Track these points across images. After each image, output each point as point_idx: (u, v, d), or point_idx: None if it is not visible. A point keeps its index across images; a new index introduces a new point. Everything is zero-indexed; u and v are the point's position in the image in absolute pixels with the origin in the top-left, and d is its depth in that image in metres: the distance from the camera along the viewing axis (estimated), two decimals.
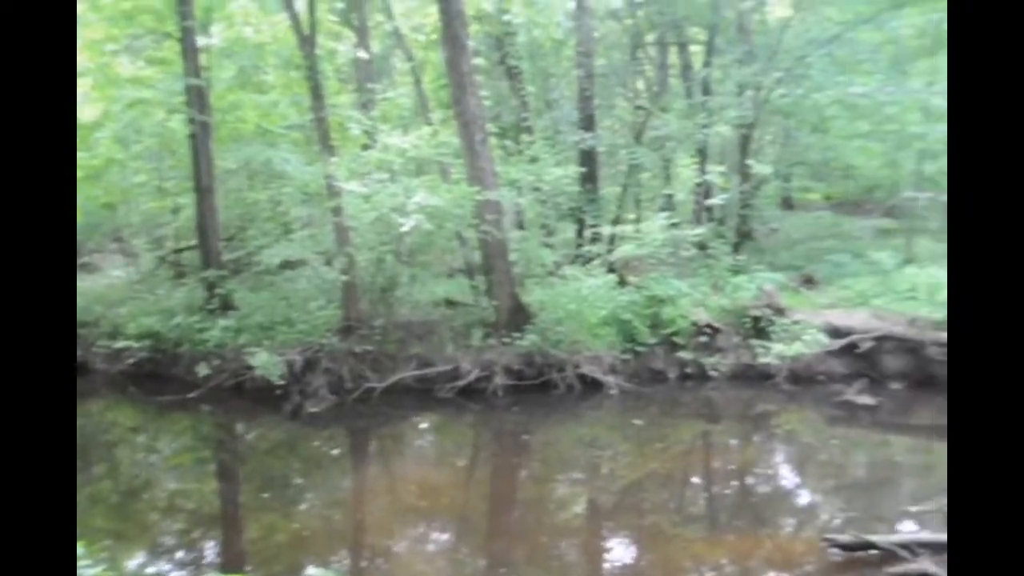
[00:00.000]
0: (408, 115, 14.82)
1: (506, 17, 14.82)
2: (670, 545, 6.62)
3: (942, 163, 15.67)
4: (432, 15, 14.12)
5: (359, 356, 10.85)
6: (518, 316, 11.17)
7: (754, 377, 11.22)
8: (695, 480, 8.71)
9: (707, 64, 16.86)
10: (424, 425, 10.65)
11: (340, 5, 13.83)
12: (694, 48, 18.19)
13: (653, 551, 6.60)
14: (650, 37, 17.75)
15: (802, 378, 11.06)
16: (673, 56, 18.39)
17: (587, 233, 14.86)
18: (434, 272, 13.45)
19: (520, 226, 13.88)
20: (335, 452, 9.82)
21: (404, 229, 10.24)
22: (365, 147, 12.34)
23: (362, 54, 13.89)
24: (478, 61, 13.03)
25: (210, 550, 6.98)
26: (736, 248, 14.82)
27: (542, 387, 10.79)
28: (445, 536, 7.23)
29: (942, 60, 15.93)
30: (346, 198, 10.66)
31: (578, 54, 15.82)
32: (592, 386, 10.84)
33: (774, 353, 10.79)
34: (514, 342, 10.85)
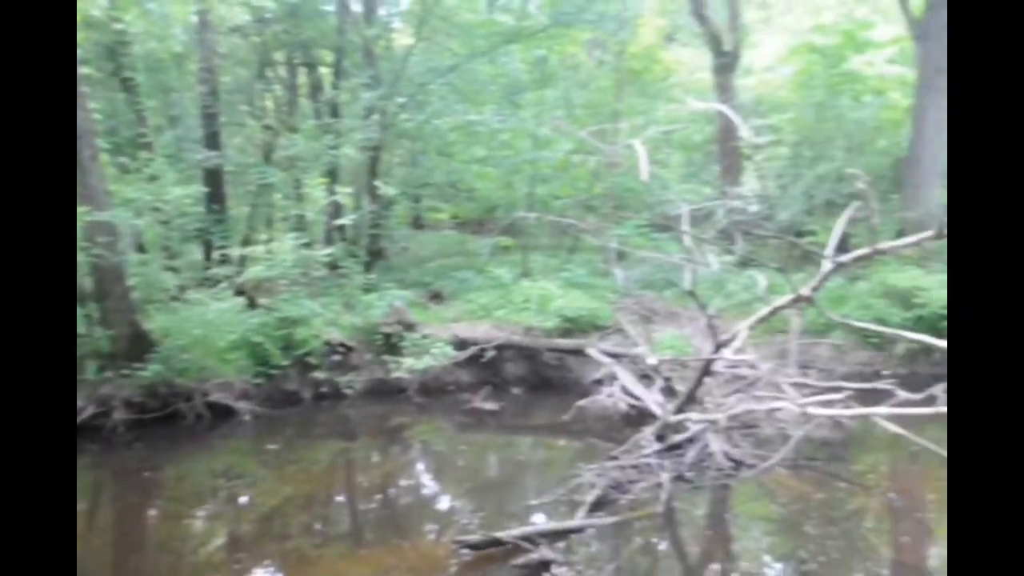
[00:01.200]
0: None
1: (119, 25, 13.75)
2: (314, 567, 6.56)
3: (551, 186, 17.37)
4: None
5: None
6: (139, 345, 10.42)
7: (388, 392, 11.57)
8: (337, 499, 8.74)
9: (336, 86, 17.05)
10: None
11: None
12: (323, 70, 18.29)
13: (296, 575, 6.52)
14: (279, 56, 17.54)
15: (433, 389, 11.64)
16: (303, 76, 18.33)
17: (215, 255, 14.28)
18: None
19: (140, 249, 12.94)
20: None
21: None
22: None
23: None
24: (87, 71, 12.00)
25: None
26: (367, 267, 15.14)
27: (169, 419, 10.18)
28: None
29: (548, 93, 17.69)
30: None
31: (201, 70, 15.17)
32: (223, 414, 10.46)
33: (405, 367, 11.17)
34: (135, 373, 10.10)
